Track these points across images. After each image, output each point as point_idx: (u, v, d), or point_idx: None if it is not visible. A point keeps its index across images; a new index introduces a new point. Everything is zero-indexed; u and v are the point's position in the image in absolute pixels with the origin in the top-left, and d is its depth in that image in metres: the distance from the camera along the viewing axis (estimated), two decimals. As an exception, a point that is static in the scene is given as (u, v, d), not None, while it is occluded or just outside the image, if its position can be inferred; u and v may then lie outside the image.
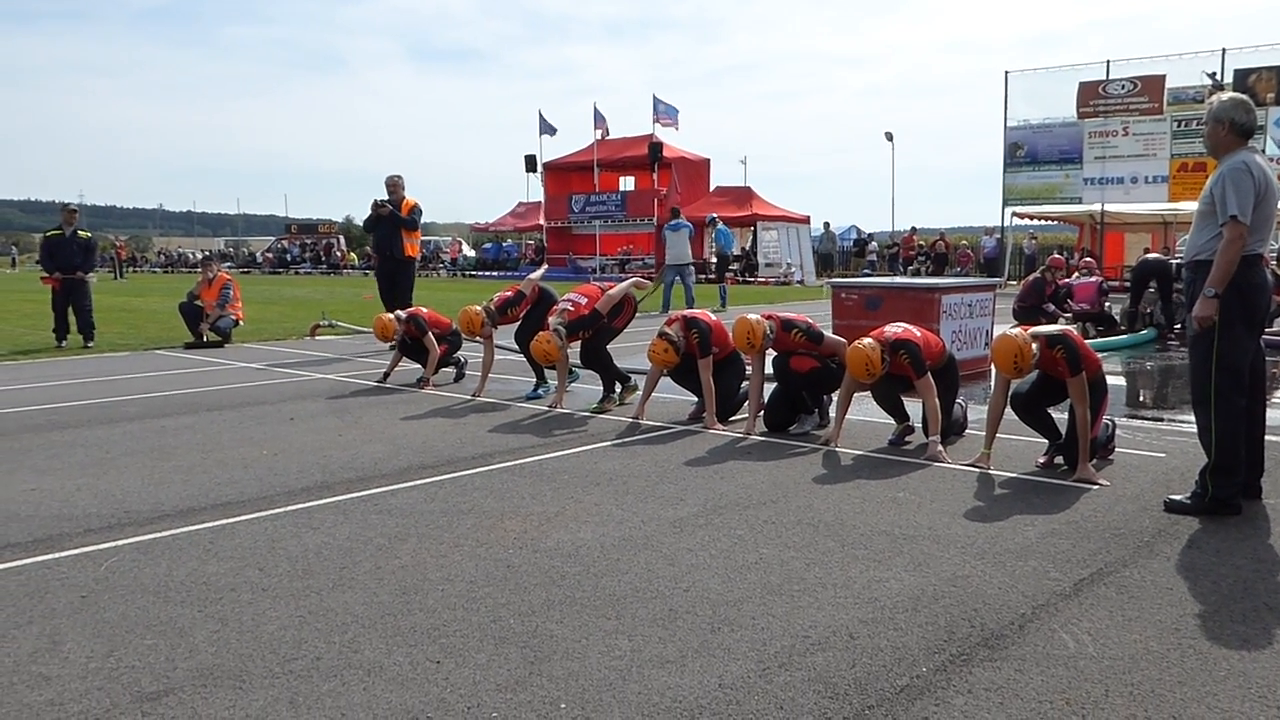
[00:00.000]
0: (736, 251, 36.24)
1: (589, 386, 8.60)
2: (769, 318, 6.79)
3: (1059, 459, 5.73)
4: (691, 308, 17.27)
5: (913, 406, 6.48)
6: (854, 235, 42.16)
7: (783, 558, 4.13)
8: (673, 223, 19.92)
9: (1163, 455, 6.03)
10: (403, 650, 3.24)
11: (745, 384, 7.35)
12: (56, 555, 4.27)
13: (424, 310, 9.58)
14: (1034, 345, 5.36)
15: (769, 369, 7.01)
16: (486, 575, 3.95)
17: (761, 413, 7.00)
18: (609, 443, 6.53)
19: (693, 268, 20.00)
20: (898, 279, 15.98)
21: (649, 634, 3.34)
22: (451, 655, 3.19)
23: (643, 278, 9.71)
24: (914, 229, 38.64)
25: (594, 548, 4.28)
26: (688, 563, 4.07)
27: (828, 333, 6.93)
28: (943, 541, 4.33)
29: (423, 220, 12.78)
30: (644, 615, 3.50)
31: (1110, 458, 5.89)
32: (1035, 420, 5.83)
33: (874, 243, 39.81)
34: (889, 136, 40.38)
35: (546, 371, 8.44)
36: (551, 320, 7.82)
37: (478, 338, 8.60)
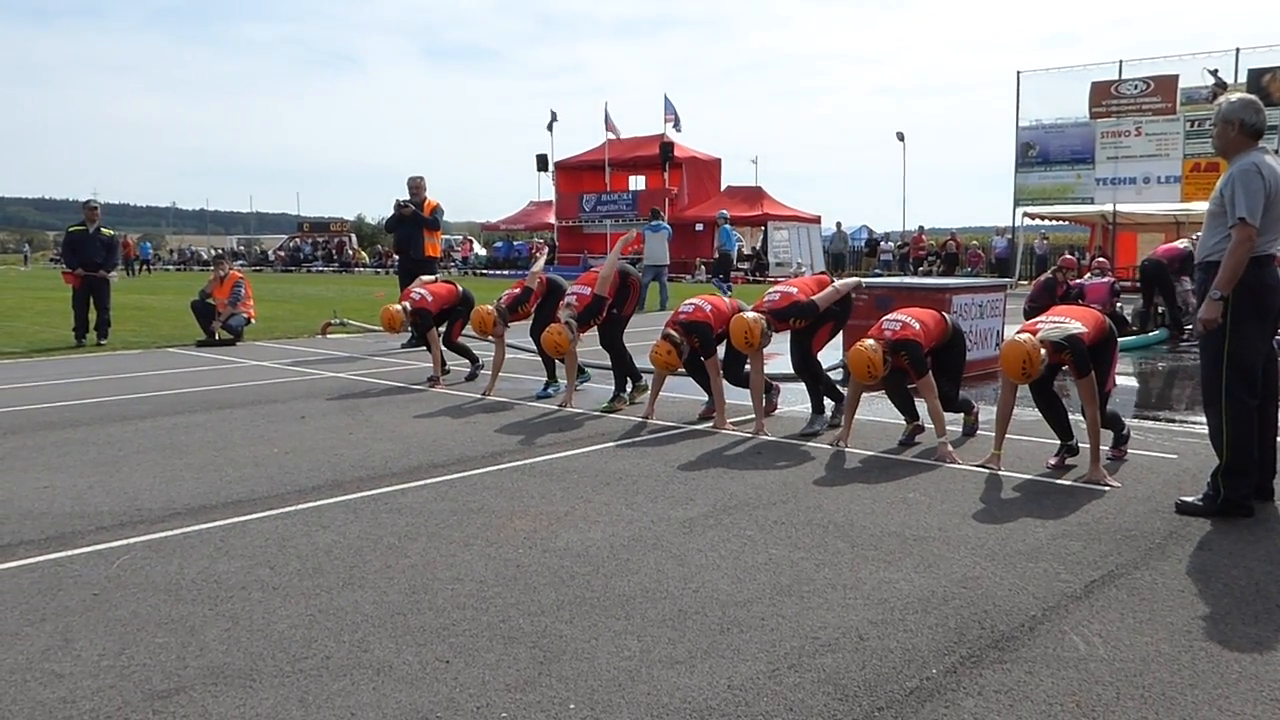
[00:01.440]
0: (747, 251, 36.24)
1: (600, 386, 8.60)
2: (760, 311, 6.75)
3: (1070, 460, 5.71)
4: (664, 309, 17.27)
5: (924, 406, 6.46)
6: (865, 235, 42.08)
7: (792, 558, 4.12)
8: (652, 224, 19.95)
9: (1174, 456, 6.00)
10: (412, 650, 3.25)
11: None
12: (69, 553, 4.29)
13: (429, 298, 9.44)
14: (1042, 351, 5.32)
15: (788, 367, 7.03)
16: (496, 575, 3.95)
17: (771, 413, 7.00)
18: (618, 442, 6.53)
19: (667, 269, 20.13)
20: (907, 279, 15.95)
21: (658, 634, 3.34)
22: (461, 655, 3.20)
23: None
24: (922, 228, 38.54)
25: (603, 548, 4.29)
26: (697, 563, 4.07)
27: (815, 295, 6.88)
28: (953, 543, 4.32)
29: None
30: (653, 616, 3.50)
31: (1124, 458, 5.87)
32: (1049, 406, 5.77)
33: (889, 242, 39.70)
34: (900, 136, 40.28)
35: (557, 371, 8.44)
36: (561, 314, 7.82)
37: (490, 337, 8.60)
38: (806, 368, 6.93)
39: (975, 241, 38.27)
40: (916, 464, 5.85)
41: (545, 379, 8.58)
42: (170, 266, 56.56)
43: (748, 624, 3.42)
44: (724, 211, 25.21)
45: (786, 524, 4.62)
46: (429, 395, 8.63)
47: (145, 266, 48.57)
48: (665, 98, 38.20)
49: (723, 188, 41.75)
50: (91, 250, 13.33)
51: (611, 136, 40.01)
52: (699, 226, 35.77)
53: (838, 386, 7.16)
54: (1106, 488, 5.22)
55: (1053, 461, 5.72)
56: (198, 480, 5.56)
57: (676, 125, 38.37)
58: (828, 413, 6.93)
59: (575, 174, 42.67)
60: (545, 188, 44.62)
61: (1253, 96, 4.88)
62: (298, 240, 57.31)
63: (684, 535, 4.47)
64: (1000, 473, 5.55)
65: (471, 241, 50.74)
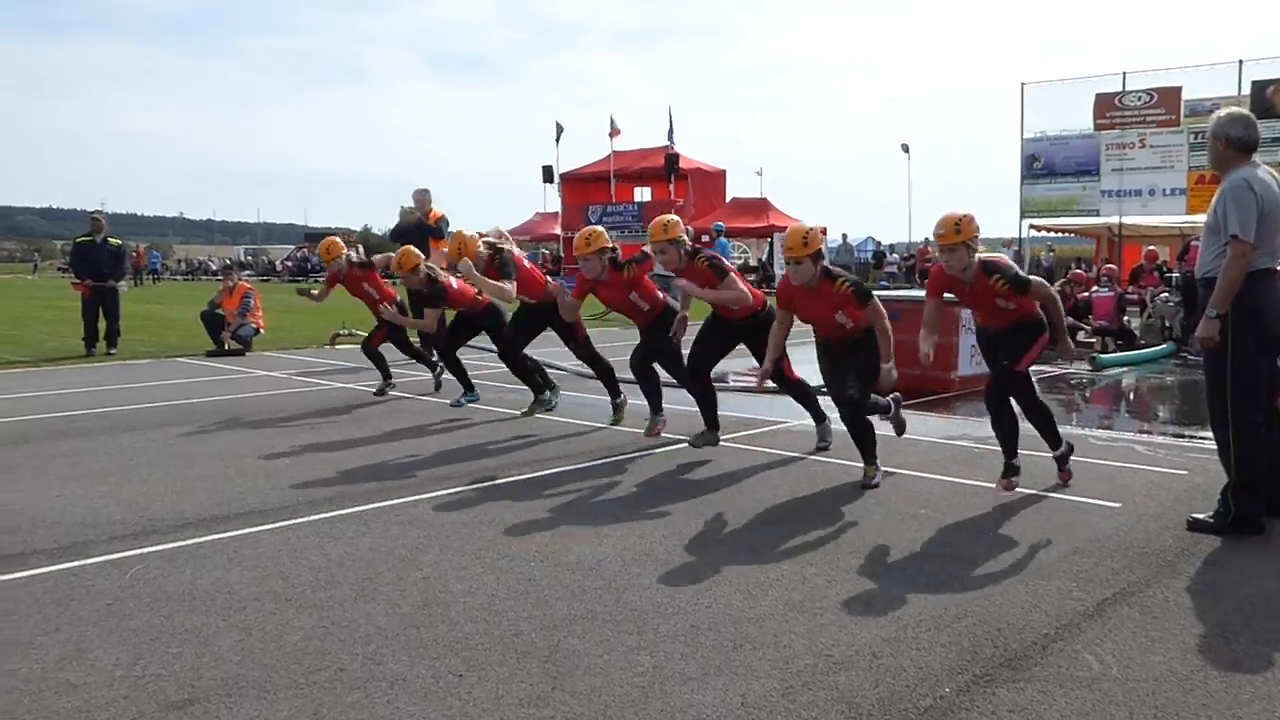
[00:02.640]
0: (753, 262, 36.25)
1: (601, 397, 8.57)
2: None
3: (1016, 480, 5.49)
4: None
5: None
6: (871, 246, 42.08)
7: (804, 575, 4.12)
8: None
9: (1185, 472, 5.99)
10: (425, 663, 3.25)
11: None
12: (82, 562, 4.31)
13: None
14: (979, 251, 5.30)
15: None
16: (508, 588, 3.96)
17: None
18: (628, 455, 6.53)
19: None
20: (914, 291, 15.93)
21: (671, 650, 3.34)
22: (474, 668, 3.21)
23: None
24: (928, 240, 38.51)
25: (615, 562, 4.29)
26: (709, 578, 4.07)
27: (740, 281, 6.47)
28: (964, 560, 4.32)
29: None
30: (665, 631, 3.51)
31: (1068, 480, 5.64)
32: (1001, 418, 5.54)
33: (895, 254, 39.70)
34: (905, 148, 40.33)
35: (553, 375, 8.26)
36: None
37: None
38: (785, 384, 6.66)
39: (981, 254, 38.23)
40: (928, 479, 5.84)
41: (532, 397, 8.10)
42: (178, 276, 56.70)
43: (760, 641, 3.42)
44: (719, 224, 25.19)
45: (798, 540, 4.62)
46: (439, 407, 8.63)
47: (154, 276, 48.76)
48: (669, 110, 38.24)
49: (728, 199, 41.78)
50: (99, 260, 13.40)
51: (616, 138, 39.85)
52: (705, 238, 35.80)
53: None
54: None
55: (1001, 485, 5.48)
56: (209, 491, 5.57)
57: (671, 140, 38.41)
58: (830, 422, 6.84)
59: (580, 185, 42.74)
60: (551, 199, 44.72)
61: (1242, 111, 4.89)
62: (305, 250, 57.39)
63: (695, 550, 4.47)
64: (1015, 490, 5.48)
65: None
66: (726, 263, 6.55)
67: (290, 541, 4.61)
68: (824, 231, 32.40)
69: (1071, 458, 5.72)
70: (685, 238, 6.40)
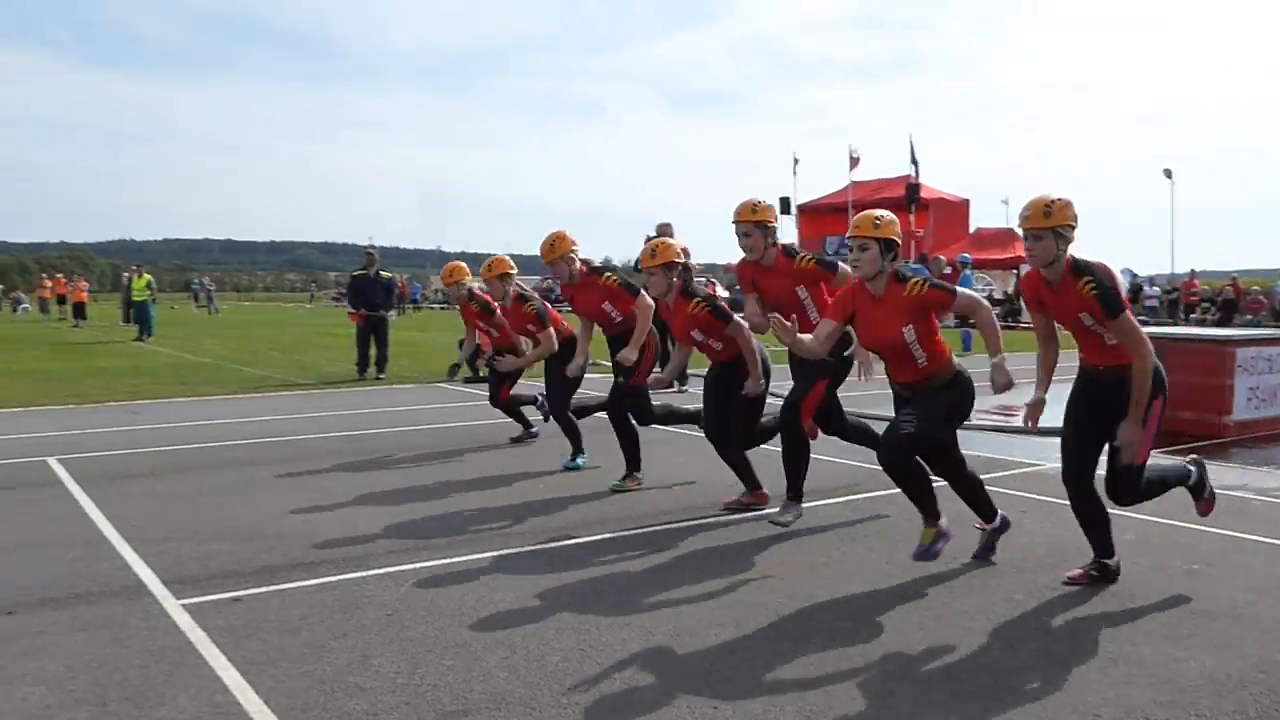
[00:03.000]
0: (999, 295, 34.81)
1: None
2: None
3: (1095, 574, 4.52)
4: None
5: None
6: (1128, 278, 39.49)
7: (1066, 625, 3.94)
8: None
9: None
10: (680, 692, 3.34)
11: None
12: (364, 574, 4.70)
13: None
14: (1072, 243, 4.24)
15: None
16: (755, 621, 4.00)
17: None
18: (873, 493, 6.44)
19: None
20: (1180, 329, 14.85)
21: (930, 697, 3.28)
22: (728, 701, 3.26)
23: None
24: (1194, 272, 35.74)
25: (864, 602, 4.25)
26: (963, 625, 3.96)
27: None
28: (1246, 621, 3.99)
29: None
30: (921, 677, 3.44)
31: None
32: (1087, 506, 4.53)
33: (1154, 286, 37.10)
34: (1168, 173, 37.69)
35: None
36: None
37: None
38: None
39: (1256, 286, 35.04)
40: (1198, 532, 5.43)
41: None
42: (435, 305, 60.54)
43: (1022, 693, 3.30)
44: (964, 255, 24.37)
45: (1057, 589, 4.41)
46: (681, 437, 8.79)
47: (414, 305, 52.44)
48: (910, 139, 37.53)
49: (971, 229, 40.43)
50: (372, 292, 14.55)
51: (856, 168, 39.45)
52: (948, 269, 34.77)
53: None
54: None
55: (1074, 574, 4.55)
56: (472, 512, 5.94)
57: (915, 171, 37.64)
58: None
59: (818, 216, 42.58)
60: (788, 230, 44.72)
61: None
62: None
63: (946, 595, 4.36)
64: None
65: (715, 283, 51.37)
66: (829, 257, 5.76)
67: (549, 563, 4.85)
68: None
69: None
70: (775, 224, 5.64)
